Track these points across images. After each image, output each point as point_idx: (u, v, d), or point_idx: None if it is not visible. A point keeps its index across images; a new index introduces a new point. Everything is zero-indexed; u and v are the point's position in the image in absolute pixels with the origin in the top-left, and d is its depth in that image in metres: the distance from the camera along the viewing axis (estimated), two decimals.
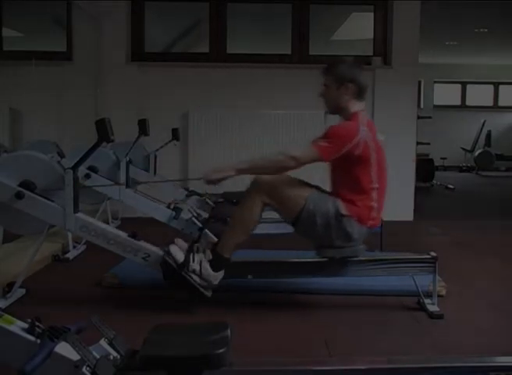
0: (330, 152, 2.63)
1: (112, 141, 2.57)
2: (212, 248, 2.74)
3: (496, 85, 12.15)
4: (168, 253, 2.65)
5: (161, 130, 4.49)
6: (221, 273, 2.67)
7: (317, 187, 2.81)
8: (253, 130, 5.34)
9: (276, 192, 2.68)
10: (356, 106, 2.79)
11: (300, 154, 2.64)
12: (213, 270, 2.65)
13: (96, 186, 3.74)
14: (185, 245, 2.74)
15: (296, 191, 2.71)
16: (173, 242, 2.73)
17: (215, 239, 3.07)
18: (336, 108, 2.84)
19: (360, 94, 2.79)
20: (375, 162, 2.70)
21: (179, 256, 2.64)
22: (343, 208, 2.68)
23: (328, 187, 2.84)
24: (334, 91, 2.80)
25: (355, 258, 2.80)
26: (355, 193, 2.70)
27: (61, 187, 2.61)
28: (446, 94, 12.14)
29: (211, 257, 2.68)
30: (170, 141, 4.55)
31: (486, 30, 8.64)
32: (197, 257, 2.65)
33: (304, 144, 2.71)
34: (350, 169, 2.69)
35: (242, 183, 4.37)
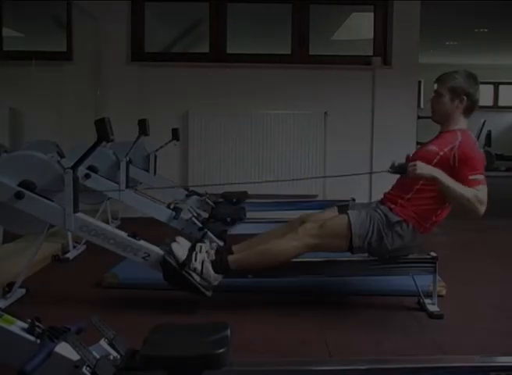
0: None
1: (112, 140, 2.57)
2: (217, 250, 2.74)
3: (496, 85, 12.15)
4: (170, 251, 2.65)
5: (161, 130, 4.49)
6: (221, 275, 2.67)
7: (347, 206, 2.83)
8: (253, 130, 5.34)
9: (323, 228, 2.67)
10: (464, 122, 2.78)
11: (484, 198, 2.54)
12: (215, 271, 2.64)
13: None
14: (186, 243, 2.74)
15: (336, 220, 2.73)
16: (175, 240, 2.73)
17: (218, 242, 3.06)
18: (444, 119, 2.81)
19: (470, 110, 2.77)
20: None
21: (181, 254, 2.64)
22: (394, 214, 2.68)
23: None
24: (447, 101, 2.77)
25: (355, 259, 2.80)
26: (425, 205, 2.68)
27: (61, 187, 2.62)
28: None
29: (213, 257, 2.67)
30: (170, 141, 4.55)
31: (486, 30, 8.64)
32: (199, 256, 2.65)
33: (468, 187, 2.53)
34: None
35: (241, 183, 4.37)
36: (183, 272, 2.62)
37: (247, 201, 4.13)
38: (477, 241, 4.46)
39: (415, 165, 2.51)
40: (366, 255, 2.79)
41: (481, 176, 2.58)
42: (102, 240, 2.68)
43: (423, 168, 2.51)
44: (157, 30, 5.82)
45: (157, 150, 4.44)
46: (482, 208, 2.54)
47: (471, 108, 2.78)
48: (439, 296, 2.82)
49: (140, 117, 4.14)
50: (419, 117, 5.93)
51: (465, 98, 2.74)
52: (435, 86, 2.84)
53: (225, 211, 3.78)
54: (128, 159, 3.92)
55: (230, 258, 2.68)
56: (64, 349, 1.43)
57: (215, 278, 2.65)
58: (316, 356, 2.22)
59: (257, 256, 2.70)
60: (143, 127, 4.06)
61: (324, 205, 3.52)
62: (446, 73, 2.84)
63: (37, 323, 1.47)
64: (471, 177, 2.56)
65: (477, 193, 2.53)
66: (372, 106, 5.40)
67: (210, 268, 2.64)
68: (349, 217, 2.70)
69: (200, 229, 3.36)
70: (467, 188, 2.54)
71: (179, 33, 5.95)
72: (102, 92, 5.23)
